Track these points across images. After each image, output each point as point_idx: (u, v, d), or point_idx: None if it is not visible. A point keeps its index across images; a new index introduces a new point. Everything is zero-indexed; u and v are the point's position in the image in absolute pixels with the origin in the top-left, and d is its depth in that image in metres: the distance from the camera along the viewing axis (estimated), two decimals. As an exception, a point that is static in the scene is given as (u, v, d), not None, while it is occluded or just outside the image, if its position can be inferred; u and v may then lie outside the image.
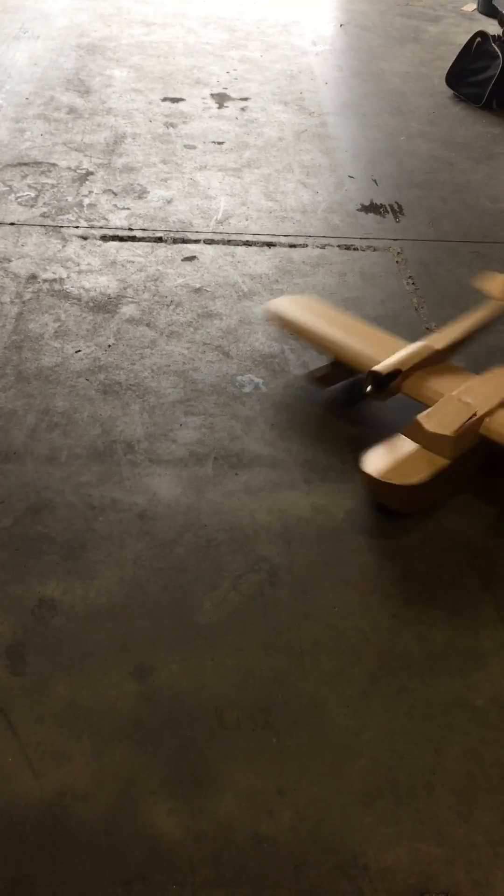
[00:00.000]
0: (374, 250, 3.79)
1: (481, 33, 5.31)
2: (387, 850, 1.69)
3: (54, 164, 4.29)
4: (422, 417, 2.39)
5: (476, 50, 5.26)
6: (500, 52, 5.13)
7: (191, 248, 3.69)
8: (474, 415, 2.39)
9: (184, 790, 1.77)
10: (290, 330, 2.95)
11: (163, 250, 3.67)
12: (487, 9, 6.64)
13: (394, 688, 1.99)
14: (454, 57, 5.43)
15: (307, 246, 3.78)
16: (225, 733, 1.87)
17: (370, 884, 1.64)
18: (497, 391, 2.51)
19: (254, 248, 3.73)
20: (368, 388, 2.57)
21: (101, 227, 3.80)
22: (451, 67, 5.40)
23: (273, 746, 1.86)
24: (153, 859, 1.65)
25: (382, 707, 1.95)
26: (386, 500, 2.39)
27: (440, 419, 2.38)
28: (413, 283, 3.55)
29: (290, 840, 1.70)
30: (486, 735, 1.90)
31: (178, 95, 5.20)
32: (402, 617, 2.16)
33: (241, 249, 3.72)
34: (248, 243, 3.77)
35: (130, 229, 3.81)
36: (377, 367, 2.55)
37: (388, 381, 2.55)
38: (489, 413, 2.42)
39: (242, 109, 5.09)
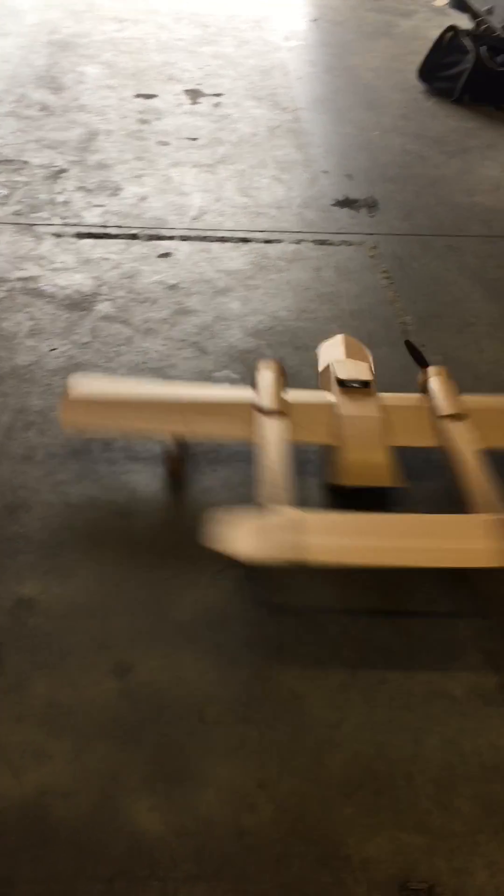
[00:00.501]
0: (349, 245, 3.80)
1: (453, 28, 5.34)
2: (367, 840, 1.70)
3: (26, 162, 4.26)
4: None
5: (448, 44, 5.29)
6: (471, 47, 5.16)
7: (166, 245, 3.69)
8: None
9: (165, 786, 1.77)
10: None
11: (138, 247, 3.66)
12: (458, 3, 6.67)
13: (373, 679, 2.00)
14: (426, 51, 5.45)
15: (282, 241, 3.78)
16: (205, 728, 1.88)
17: (351, 874, 1.65)
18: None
19: (229, 244, 3.73)
20: None
21: (74, 225, 3.78)
22: (424, 62, 5.42)
23: (253, 740, 1.86)
24: (135, 855, 1.65)
25: (362, 699, 1.96)
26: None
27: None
28: (388, 278, 3.57)
29: (272, 833, 1.70)
30: (465, 724, 1.92)
31: (151, 92, 5.18)
32: (381, 609, 2.17)
33: (216, 245, 3.71)
34: (223, 239, 3.77)
35: (105, 226, 3.79)
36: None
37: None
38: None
39: (216, 105, 5.08)
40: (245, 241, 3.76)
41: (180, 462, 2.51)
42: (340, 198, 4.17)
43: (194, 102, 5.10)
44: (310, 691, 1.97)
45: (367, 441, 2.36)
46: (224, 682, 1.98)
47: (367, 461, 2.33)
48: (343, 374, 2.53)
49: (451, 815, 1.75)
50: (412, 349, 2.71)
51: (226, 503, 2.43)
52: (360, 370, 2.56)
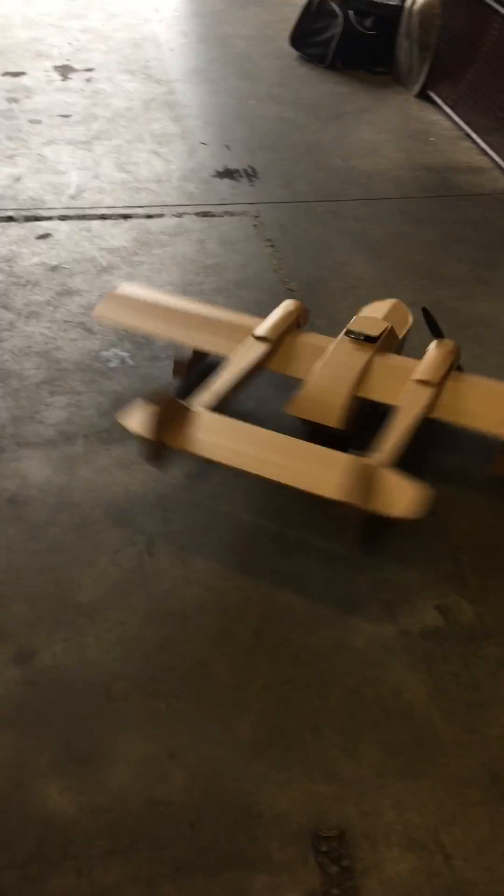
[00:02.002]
0: (232, 215, 3.80)
1: (320, -7, 5.35)
2: (279, 795, 1.74)
3: None
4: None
5: (317, 10, 5.31)
6: (339, 11, 5.19)
7: (44, 226, 3.60)
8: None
9: (75, 767, 1.76)
10: (130, 329, 2.80)
11: (15, 229, 3.56)
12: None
13: (277, 640, 2.04)
14: (296, 18, 5.46)
15: (164, 216, 3.75)
16: (113, 706, 1.87)
17: (265, 830, 1.68)
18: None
19: (110, 222, 3.68)
20: None
21: None
22: (294, 29, 5.43)
23: (162, 712, 1.87)
24: (47, 839, 1.64)
25: (267, 660, 1.99)
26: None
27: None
28: (272, 246, 3.58)
29: (185, 800, 1.72)
30: (367, 674, 1.97)
31: (18, 69, 5.03)
32: (281, 571, 2.21)
33: (96, 223, 3.65)
34: (103, 217, 3.71)
35: (-21, 210, 3.68)
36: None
37: None
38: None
39: (88, 80, 4.98)
40: (126, 217, 3.72)
41: (188, 367, 2.77)
42: (220, 169, 4.16)
43: (65, 78, 4.98)
44: (215, 658, 1.99)
45: (331, 383, 2.44)
46: (129, 658, 1.98)
47: (322, 400, 2.40)
48: (353, 325, 2.59)
49: (358, 761, 1.80)
50: (429, 319, 2.70)
51: (121, 484, 2.43)
52: (373, 326, 2.58)
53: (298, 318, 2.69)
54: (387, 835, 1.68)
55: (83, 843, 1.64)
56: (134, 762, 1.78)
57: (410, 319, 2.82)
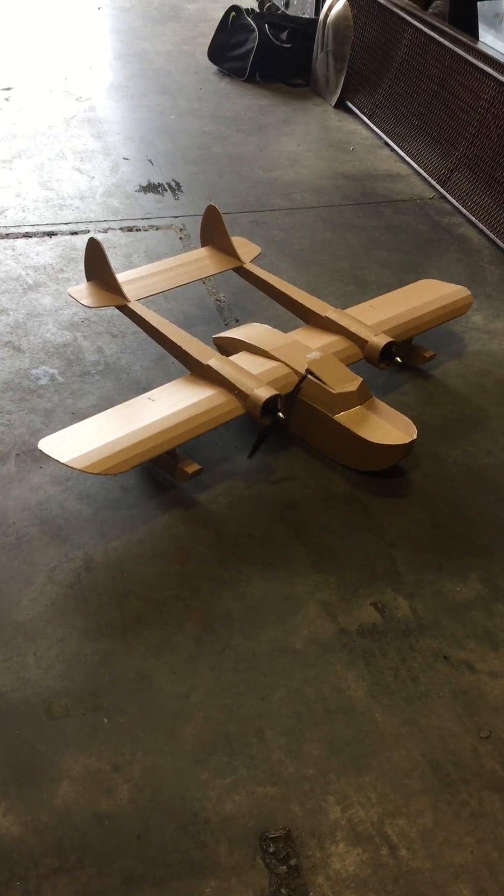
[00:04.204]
0: (157, 229, 3.81)
1: (235, 8, 5.42)
2: (225, 800, 1.74)
3: None
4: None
5: (233, 25, 5.37)
6: (255, 25, 5.26)
7: (-33, 246, 3.57)
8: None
9: (18, 787, 1.74)
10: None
11: None
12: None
13: (218, 647, 2.05)
14: (213, 33, 5.51)
15: (89, 231, 3.74)
16: (54, 723, 1.86)
17: (212, 835, 1.69)
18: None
19: (34, 240, 3.66)
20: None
21: None
22: (212, 43, 5.48)
23: (105, 726, 1.87)
24: (-7, 862, 1.62)
25: (209, 667, 2.00)
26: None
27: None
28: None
29: (131, 812, 1.72)
30: (308, 674, 2.00)
31: None
32: (220, 579, 2.22)
33: (20, 242, 3.63)
34: (27, 235, 3.69)
35: None
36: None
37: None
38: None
39: (6, 99, 4.95)
40: (51, 234, 3.70)
41: None
42: (144, 183, 4.17)
43: (-16, 98, 4.94)
44: (157, 669, 1.99)
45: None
46: (70, 675, 1.97)
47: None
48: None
49: (302, 760, 1.82)
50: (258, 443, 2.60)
51: (55, 501, 2.41)
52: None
53: None
54: (332, 831, 1.71)
55: (30, 863, 1.62)
56: (78, 778, 1.77)
57: None
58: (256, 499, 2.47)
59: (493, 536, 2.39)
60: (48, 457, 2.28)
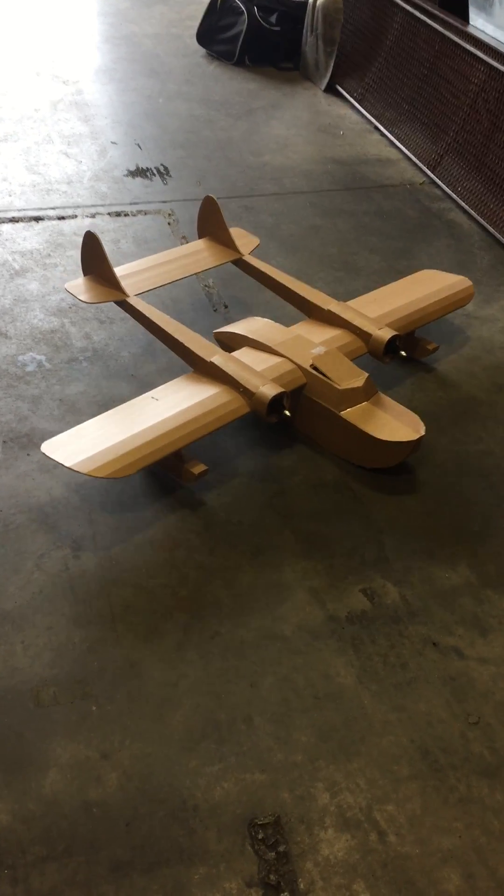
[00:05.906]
0: (146, 214, 3.78)
1: (224, -10, 5.36)
2: (214, 787, 1.74)
3: None
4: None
5: (221, 7, 5.32)
6: (244, 8, 5.21)
7: (-47, 231, 3.53)
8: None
9: (5, 776, 1.74)
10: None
11: None
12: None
13: (206, 635, 2.04)
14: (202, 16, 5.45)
15: (77, 217, 3.71)
16: (42, 712, 1.85)
17: (201, 822, 1.69)
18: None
19: (21, 224, 3.62)
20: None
21: None
22: (200, 26, 5.43)
23: (93, 714, 1.86)
24: (-19, 851, 1.62)
25: (197, 655, 2.00)
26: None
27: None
28: (187, 243, 3.57)
29: (120, 800, 1.71)
30: (297, 661, 1.99)
31: None
32: (208, 566, 2.21)
33: (7, 227, 3.60)
34: (14, 220, 3.65)
35: None
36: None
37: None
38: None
39: (-8, 82, 4.89)
40: (38, 219, 3.67)
41: None
42: (132, 168, 4.13)
43: (-31, 81, 4.88)
44: (146, 657, 1.99)
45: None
46: (58, 663, 1.96)
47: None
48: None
49: (291, 747, 1.82)
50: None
51: (43, 488, 2.40)
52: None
53: None
54: (321, 817, 1.71)
55: (17, 851, 1.62)
56: (66, 766, 1.76)
57: None
58: (246, 486, 2.46)
59: (482, 523, 2.39)
60: (48, 456, 2.24)
